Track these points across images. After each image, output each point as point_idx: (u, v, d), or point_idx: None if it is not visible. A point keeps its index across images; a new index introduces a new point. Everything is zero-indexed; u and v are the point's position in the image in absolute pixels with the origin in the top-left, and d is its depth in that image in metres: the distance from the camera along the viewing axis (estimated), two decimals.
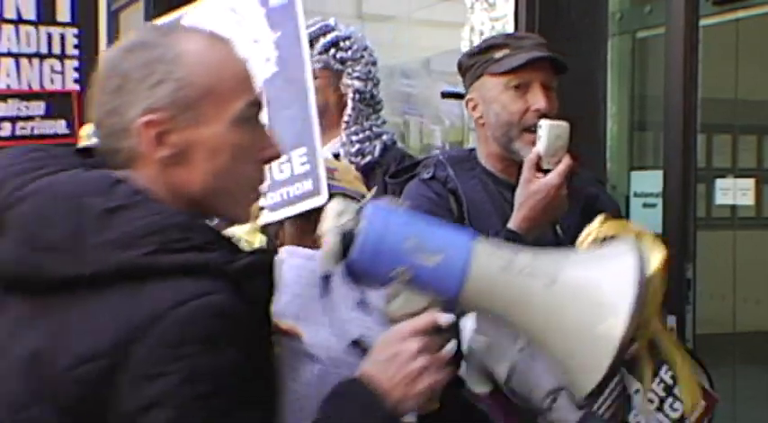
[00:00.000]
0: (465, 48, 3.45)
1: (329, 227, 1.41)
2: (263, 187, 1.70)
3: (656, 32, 3.67)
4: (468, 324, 1.96)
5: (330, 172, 2.03)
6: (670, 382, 1.99)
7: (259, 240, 1.96)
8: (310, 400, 1.74)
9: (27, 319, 1.29)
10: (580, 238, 2.01)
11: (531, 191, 2.07)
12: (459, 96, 2.38)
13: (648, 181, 3.28)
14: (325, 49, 2.83)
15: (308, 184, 1.96)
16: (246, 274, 1.27)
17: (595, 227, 1.96)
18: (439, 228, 1.45)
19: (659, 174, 2.95)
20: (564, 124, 2.09)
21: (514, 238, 2.02)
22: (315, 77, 2.70)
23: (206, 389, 1.21)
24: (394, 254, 1.38)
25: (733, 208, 3.86)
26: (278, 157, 1.44)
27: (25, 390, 1.26)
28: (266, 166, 1.44)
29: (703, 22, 3.13)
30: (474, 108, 2.24)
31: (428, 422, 1.56)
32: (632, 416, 1.98)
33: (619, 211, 2.41)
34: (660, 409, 1.99)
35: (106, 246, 1.23)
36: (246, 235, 1.96)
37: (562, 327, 1.39)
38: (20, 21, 2.95)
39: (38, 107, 2.93)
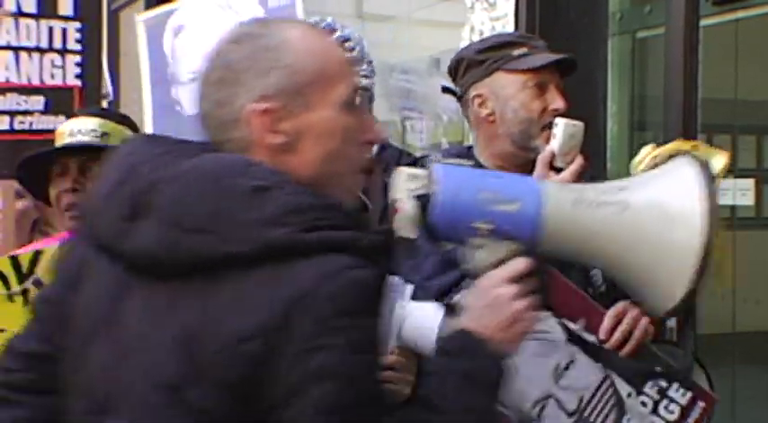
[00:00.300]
0: None
1: (402, 193, 1.47)
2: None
3: (656, 32, 3.67)
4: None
5: None
6: (664, 385, 1.99)
7: None
8: None
9: (165, 304, 1.31)
10: (634, 163, 2.03)
11: None
12: (453, 92, 2.35)
13: None
14: None
15: None
16: (376, 250, 1.30)
17: (647, 152, 1.98)
18: (506, 178, 1.55)
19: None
20: (579, 124, 2.10)
21: None
22: None
23: (361, 359, 1.26)
24: (471, 208, 1.45)
25: (732, 208, 3.86)
26: (379, 139, 1.49)
27: (177, 373, 1.28)
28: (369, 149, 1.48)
29: (703, 22, 3.13)
30: (481, 104, 2.22)
31: None
32: (626, 420, 1.98)
33: None
34: (655, 411, 1.99)
35: (254, 224, 1.25)
36: None
37: (642, 247, 1.47)
38: (20, 14, 2.93)
39: (37, 102, 2.92)
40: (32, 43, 2.94)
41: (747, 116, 4.67)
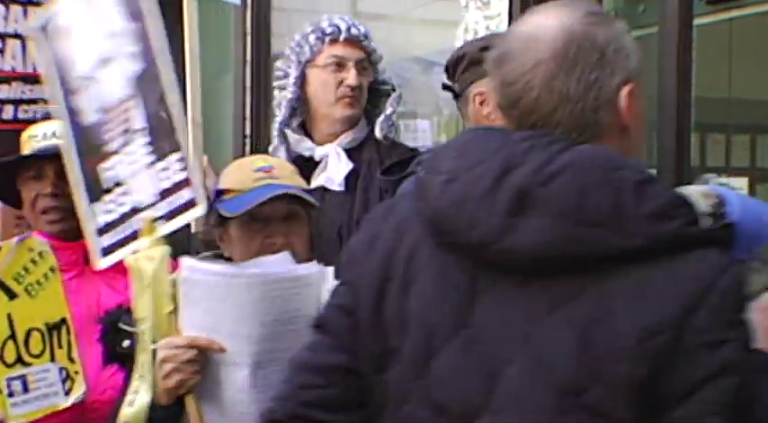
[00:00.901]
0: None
1: (703, 209, 1.43)
2: (151, 199, 1.85)
3: (649, 32, 3.67)
4: None
5: (268, 171, 2.01)
6: None
7: (161, 252, 1.89)
8: (245, 404, 1.78)
9: (548, 302, 1.26)
10: None
11: None
12: (452, 89, 2.34)
13: None
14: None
15: (187, 193, 1.90)
16: (726, 244, 1.29)
17: None
18: None
19: (653, 173, 2.96)
20: None
21: None
22: (363, 68, 2.68)
23: (754, 355, 1.23)
24: (755, 231, 1.44)
25: None
26: None
27: (574, 375, 1.23)
28: None
29: (697, 21, 3.13)
30: (483, 102, 2.22)
31: None
32: None
33: None
34: None
35: (646, 218, 1.23)
36: (147, 251, 1.91)
37: None
38: (29, 2, 2.90)
39: (41, 91, 2.92)
40: None
41: (741, 115, 4.67)
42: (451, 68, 2.29)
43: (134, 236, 1.97)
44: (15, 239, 2.28)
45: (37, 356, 2.25)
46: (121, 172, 2.01)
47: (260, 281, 1.79)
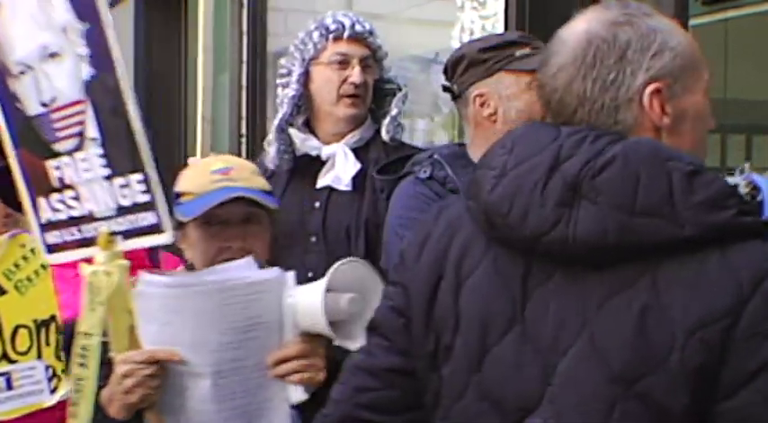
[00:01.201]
0: (456, 46, 3.45)
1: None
2: (109, 212, 1.77)
3: None
4: None
5: (226, 173, 1.97)
6: None
7: (119, 268, 1.84)
8: (209, 414, 1.77)
9: (603, 292, 1.28)
10: None
11: None
12: (451, 90, 2.33)
13: None
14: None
15: (151, 217, 1.82)
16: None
17: None
18: None
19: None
20: None
21: None
22: (368, 65, 2.65)
23: None
24: None
25: None
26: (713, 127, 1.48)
27: (630, 364, 1.24)
28: None
29: (692, 21, 3.14)
30: (483, 103, 2.21)
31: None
32: None
33: None
34: None
35: (699, 207, 1.24)
36: (104, 265, 1.84)
37: None
38: None
39: None
40: None
41: (737, 115, 4.68)
42: (450, 70, 2.28)
43: (86, 242, 1.90)
44: (6, 235, 2.28)
45: (23, 353, 2.25)
46: (72, 176, 1.91)
47: (217, 288, 1.76)
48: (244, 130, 5.03)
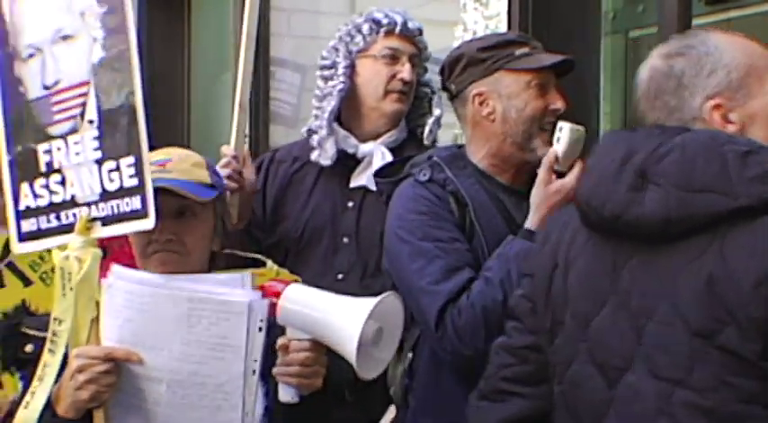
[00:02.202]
0: None
1: None
2: (92, 197, 1.75)
3: (649, 32, 3.67)
4: None
5: (162, 164, 1.93)
6: None
7: (92, 255, 1.80)
8: (161, 418, 1.74)
9: (678, 261, 1.50)
10: None
11: (551, 191, 2.07)
12: (449, 90, 2.33)
13: None
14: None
15: (136, 202, 1.80)
16: None
17: None
18: None
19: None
20: (582, 129, 2.10)
21: (534, 238, 2.01)
22: (415, 65, 2.61)
23: None
24: None
25: None
26: None
27: (709, 320, 1.46)
28: None
29: (696, 21, 3.13)
30: (482, 103, 2.20)
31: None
32: None
33: None
34: None
35: (752, 182, 1.45)
36: (77, 251, 1.81)
37: None
38: None
39: None
40: None
41: None
42: (448, 69, 2.27)
43: (62, 229, 1.87)
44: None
45: None
46: (61, 159, 1.89)
47: (186, 296, 1.72)
48: (247, 130, 5.02)
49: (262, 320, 1.74)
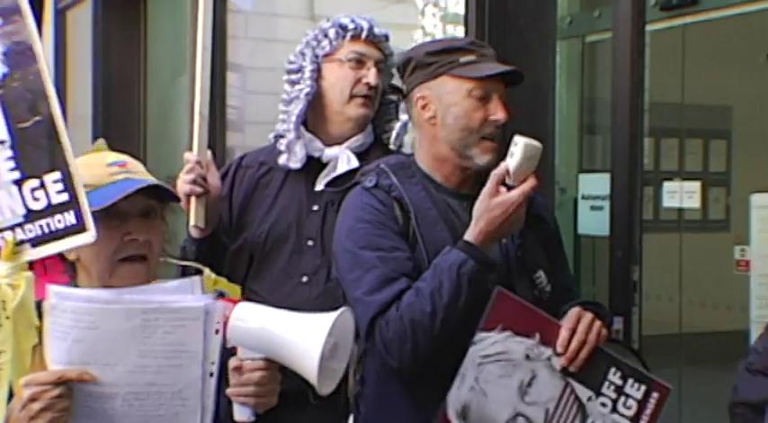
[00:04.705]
0: None
1: None
2: (15, 220, 1.69)
3: (605, 37, 3.71)
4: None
5: (123, 165, 1.91)
6: (620, 383, 2.04)
7: (25, 280, 1.72)
8: None
9: None
10: None
11: (493, 204, 2.04)
12: (401, 90, 2.34)
13: (596, 184, 3.31)
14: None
15: (70, 217, 1.73)
16: None
17: None
18: None
19: (607, 177, 2.99)
20: (539, 146, 2.05)
21: (472, 250, 2.02)
22: (380, 70, 2.62)
23: None
24: None
25: (680, 211, 3.92)
26: None
27: None
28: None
29: (650, 27, 3.17)
30: (424, 106, 2.21)
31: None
32: (589, 422, 2.03)
33: (552, 213, 2.43)
34: (614, 410, 2.04)
35: None
36: (8, 278, 1.72)
37: None
38: None
39: None
40: None
41: (694, 120, 4.74)
42: (401, 70, 2.29)
43: None
44: None
45: None
46: None
47: (139, 309, 1.68)
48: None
49: (218, 323, 1.73)
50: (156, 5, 6.37)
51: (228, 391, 1.78)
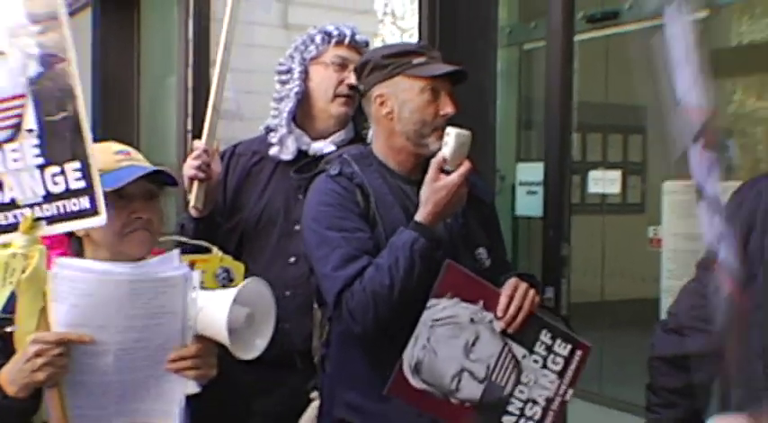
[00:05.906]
0: None
1: None
2: (34, 199, 1.70)
3: (539, 45, 3.73)
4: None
5: (127, 154, 1.93)
6: (550, 342, 2.07)
7: (39, 252, 1.74)
8: (112, 384, 1.74)
9: None
10: None
11: (436, 188, 2.05)
12: (358, 90, 2.34)
13: (532, 172, 3.33)
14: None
15: (84, 202, 1.75)
16: None
17: None
18: None
19: (541, 166, 3.00)
20: (468, 134, 2.07)
21: (422, 229, 2.04)
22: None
23: None
24: None
25: (603, 196, 3.96)
26: None
27: None
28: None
29: (578, 37, 3.19)
30: (382, 103, 2.21)
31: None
32: (524, 377, 2.06)
33: (493, 196, 2.44)
34: (545, 366, 2.07)
35: None
36: (23, 249, 1.73)
37: None
38: None
39: None
40: None
41: (616, 117, 4.78)
42: (359, 71, 2.29)
43: (4, 229, 1.77)
44: None
45: None
46: None
47: (128, 279, 1.70)
48: (190, 127, 4.97)
49: (195, 288, 1.74)
50: (148, 14, 6.31)
51: (169, 366, 1.76)
